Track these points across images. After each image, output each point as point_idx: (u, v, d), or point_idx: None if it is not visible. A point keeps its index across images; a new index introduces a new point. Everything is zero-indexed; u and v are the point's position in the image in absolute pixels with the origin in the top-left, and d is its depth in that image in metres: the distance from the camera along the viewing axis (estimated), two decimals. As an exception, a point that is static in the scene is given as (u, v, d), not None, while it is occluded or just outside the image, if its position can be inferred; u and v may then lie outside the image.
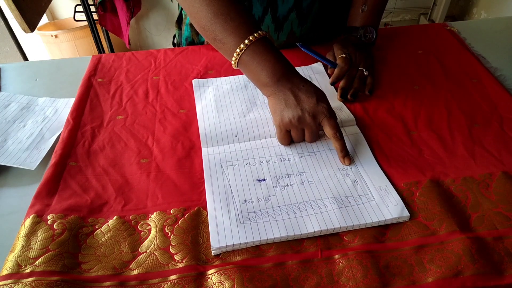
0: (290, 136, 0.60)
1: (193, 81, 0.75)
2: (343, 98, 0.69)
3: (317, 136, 0.60)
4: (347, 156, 0.57)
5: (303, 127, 0.58)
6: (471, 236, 0.47)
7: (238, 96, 0.70)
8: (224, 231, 0.48)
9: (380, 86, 0.73)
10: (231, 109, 0.68)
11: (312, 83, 0.60)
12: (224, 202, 0.52)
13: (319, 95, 0.58)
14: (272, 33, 0.80)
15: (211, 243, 0.47)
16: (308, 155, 0.59)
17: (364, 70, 0.72)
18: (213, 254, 0.47)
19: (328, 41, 0.86)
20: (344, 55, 0.72)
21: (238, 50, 0.58)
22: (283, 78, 0.58)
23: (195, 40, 0.89)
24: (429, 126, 0.63)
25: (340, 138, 0.57)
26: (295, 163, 0.58)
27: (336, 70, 0.72)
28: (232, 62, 0.60)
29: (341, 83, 0.71)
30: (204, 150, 0.60)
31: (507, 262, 0.44)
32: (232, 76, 0.76)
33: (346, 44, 0.74)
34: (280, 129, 0.59)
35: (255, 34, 0.58)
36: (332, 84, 0.72)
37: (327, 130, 0.57)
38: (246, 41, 0.57)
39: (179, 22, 0.92)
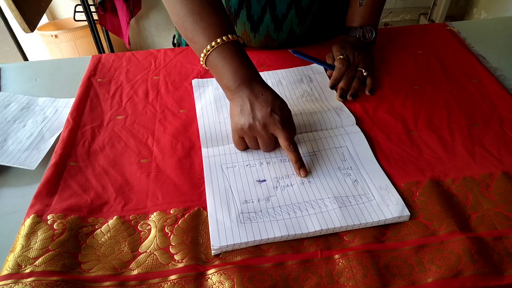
0: (244, 142, 0.59)
1: (192, 81, 0.75)
2: (343, 98, 0.69)
3: (271, 146, 0.58)
4: (303, 168, 0.55)
5: (255, 136, 0.57)
6: (471, 236, 0.47)
7: None
8: (224, 231, 0.48)
9: (380, 86, 0.73)
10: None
11: (274, 93, 0.58)
12: (225, 202, 0.52)
13: (276, 106, 0.56)
14: (272, 32, 0.80)
15: (212, 243, 0.47)
16: (308, 155, 0.59)
17: (363, 70, 0.72)
18: (213, 254, 0.47)
19: (328, 40, 0.86)
20: (341, 56, 0.72)
21: (205, 51, 0.59)
22: (244, 84, 0.58)
23: None
24: (429, 126, 0.63)
25: (293, 149, 0.55)
26: None
27: (334, 72, 0.72)
28: (201, 61, 0.61)
29: (341, 84, 0.71)
30: (204, 151, 0.60)
31: (507, 262, 0.44)
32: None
33: (344, 45, 0.74)
34: (233, 134, 0.59)
35: (224, 37, 0.58)
36: (331, 87, 0.72)
37: (280, 141, 0.56)
38: (213, 43, 0.58)
39: None
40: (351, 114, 0.65)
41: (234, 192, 0.54)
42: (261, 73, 0.76)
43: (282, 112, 0.56)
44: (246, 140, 0.58)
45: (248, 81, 0.58)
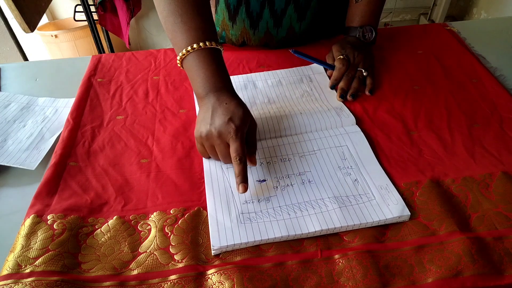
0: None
1: None
2: (343, 98, 0.69)
3: (227, 157, 0.55)
4: (243, 183, 0.52)
5: (212, 144, 0.55)
6: (471, 236, 0.47)
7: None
8: (224, 231, 0.48)
9: (380, 86, 0.73)
10: None
11: (240, 103, 0.57)
12: (225, 202, 0.52)
13: (236, 115, 0.54)
14: (272, 29, 0.80)
15: (212, 243, 0.47)
16: (308, 155, 0.59)
17: (363, 70, 0.72)
18: (213, 254, 0.47)
19: (329, 38, 0.86)
20: (341, 56, 0.72)
21: (180, 54, 0.59)
22: (212, 92, 0.57)
23: None
24: (429, 126, 0.63)
25: (239, 162, 0.52)
26: (295, 163, 0.58)
27: (334, 72, 0.72)
28: (177, 61, 0.61)
29: (341, 84, 0.71)
30: None
31: (507, 262, 0.44)
32: (232, 76, 0.75)
33: (344, 45, 0.74)
34: (196, 141, 0.58)
35: (201, 44, 0.58)
36: (331, 87, 0.72)
37: (230, 150, 0.53)
38: (189, 48, 0.58)
39: None
40: (351, 114, 0.65)
41: (234, 192, 0.54)
42: (261, 73, 0.76)
43: (242, 123, 0.54)
44: (206, 149, 0.57)
45: (217, 89, 0.58)
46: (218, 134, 0.54)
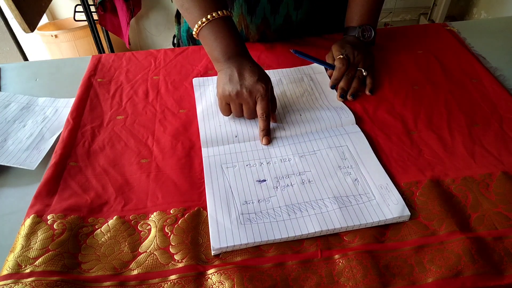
0: (230, 109, 0.63)
1: (193, 79, 0.75)
2: (343, 98, 0.69)
3: (254, 113, 0.62)
4: (267, 136, 0.60)
5: (241, 102, 0.61)
6: (471, 236, 0.47)
7: None
8: (224, 232, 0.48)
9: (380, 86, 0.73)
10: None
11: (260, 67, 0.63)
12: (225, 203, 0.52)
13: (262, 76, 0.61)
14: (269, 15, 0.80)
15: (212, 244, 0.47)
16: (308, 155, 0.59)
17: (363, 70, 0.72)
18: (213, 255, 0.47)
19: (326, 34, 0.85)
20: (341, 56, 0.72)
21: (199, 23, 0.63)
22: (233, 57, 0.63)
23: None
24: (429, 126, 0.63)
25: (265, 119, 0.60)
26: (295, 163, 0.58)
27: (334, 72, 0.72)
28: (193, 32, 0.65)
29: (341, 83, 0.71)
30: (204, 151, 0.60)
31: (507, 262, 0.44)
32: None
33: (344, 44, 0.74)
34: (221, 100, 0.63)
35: (219, 12, 0.62)
36: (332, 87, 0.72)
37: (258, 108, 0.60)
38: (209, 16, 0.62)
39: (178, 16, 0.93)
40: (351, 113, 0.65)
41: (234, 192, 0.54)
42: None
43: (267, 84, 0.61)
44: (232, 107, 0.62)
45: (238, 54, 0.63)
46: (249, 92, 0.60)
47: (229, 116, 0.65)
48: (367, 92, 0.70)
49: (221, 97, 0.62)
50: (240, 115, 0.63)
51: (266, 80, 0.61)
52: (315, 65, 0.78)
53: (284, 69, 0.77)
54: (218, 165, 0.58)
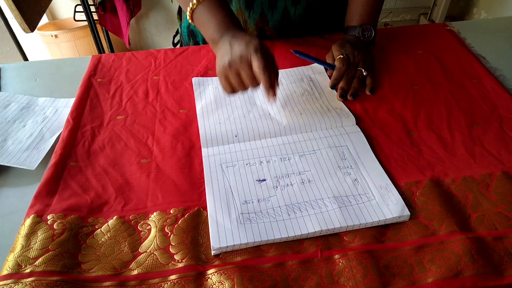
0: (231, 84, 0.60)
1: (193, 79, 0.75)
2: (343, 98, 0.69)
3: (252, 79, 0.57)
4: (272, 90, 0.56)
5: (237, 71, 0.58)
6: (471, 236, 0.47)
7: (238, 95, 0.70)
8: (224, 232, 0.48)
9: (380, 86, 0.72)
10: (231, 108, 0.68)
11: (253, 35, 0.61)
12: (225, 203, 0.52)
13: (252, 40, 0.58)
14: (266, 10, 0.80)
15: (212, 244, 0.47)
16: (308, 154, 0.59)
17: (363, 70, 0.72)
18: (213, 255, 0.47)
19: (326, 28, 0.85)
20: (341, 56, 0.71)
21: (191, 5, 0.63)
22: (227, 33, 0.61)
23: (195, 27, 0.89)
24: (429, 126, 0.63)
25: (264, 72, 0.55)
26: (295, 162, 0.58)
27: (334, 72, 0.72)
28: (187, 16, 0.65)
29: (341, 83, 0.71)
30: (204, 151, 0.60)
31: (507, 262, 0.44)
32: None
33: (343, 44, 0.74)
34: (220, 78, 0.61)
35: None
36: (332, 87, 0.72)
37: (253, 67, 0.56)
38: (195, 1, 0.63)
39: (180, 13, 0.94)
40: (351, 114, 0.65)
41: (234, 192, 0.54)
42: None
43: (257, 42, 0.57)
44: (231, 81, 0.59)
45: (231, 29, 0.62)
46: (240, 57, 0.57)
47: (234, 94, 0.62)
48: (367, 92, 0.70)
49: (219, 73, 0.60)
50: (241, 86, 0.59)
51: (258, 41, 0.58)
52: (315, 65, 0.78)
53: (283, 70, 0.77)
54: (218, 164, 0.58)
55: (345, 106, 0.68)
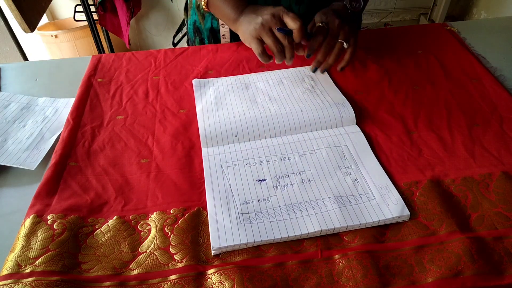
0: (267, 51, 0.64)
1: (193, 80, 0.75)
2: (314, 72, 0.69)
3: (286, 29, 0.62)
4: (302, 36, 0.62)
5: (269, 27, 0.62)
6: (471, 236, 0.47)
7: (238, 95, 0.70)
8: (224, 232, 0.48)
9: (380, 86, 0.72)
10: (231, 107, 0.67)
11: (268, 6, 0.65)
12: (225, 203, 0.52)
13: (276, 5, 0.64)
14: None
15: (212, 244, 0.47)
16: (308, 154, 0.59)
17: (344, 42, 0.67)
18: (213, 254, 0.47)
19: None
20: (320, 24, 0.67)
21: None
22: (246, 9, 0.66)
23: (201, 24, 0.89)
24: (429, 126, 0.63)
25: (297, 20, 0.61)
26: (295, 162, 0.58)
27: (310, 41, 0.67)
28: (202, 4, 0.70)
29: (317, 55, 0.68)
30: (204, 151, 0.60)
31: (507, 262, 0.44)
32: (233, 77, 0.76)
33: (327, 12, 0.69)
34: (251, 42, 0.64)
35: None
36: (307, 56, 0.67)
37: (289, 21, 0.61)
38: None
39: (186, 9, 0.94)
40: (352, 110, 0.65)
41: (234, 192, 0.54)
42: (262, 73, 0.76)
43: (283, 5, 0.63)
44: (265, 39, 0.63)
45: (250, 6, 0.67)
46: (272, 14, 0.62)
47: (269, 60, 0.65)
48: (338, 68, 0.68)
49: (250, 37, 0.64)
50: (276, 43, 0.62)
51: (275, 8, 0.63)
52: None
53: (284, 70, 0.77)
54: (218, 164, 0.58)
55: (347, 102, 0.67)
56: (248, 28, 0.64)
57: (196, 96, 0.71)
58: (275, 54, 0.63)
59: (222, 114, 0.66)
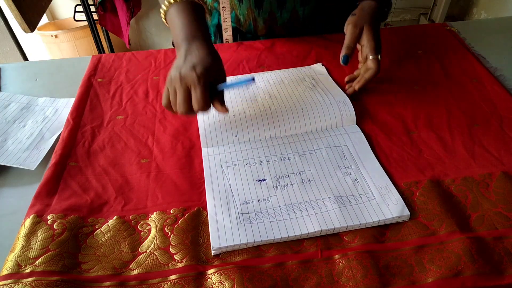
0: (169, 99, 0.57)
1: None
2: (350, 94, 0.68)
3: (185, 102, 0.54)
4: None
5: (175, 88, 0.55)
6: (471, 236, 0.47)
7: (238, 93, 0.70)
8: (224, 232, 0.48)
9: (380, 86, 0.72)
10: (231, 106, 0.67)
11: (210, 52, 0.57)
12: (225, 203, 0.52)
13: (202, 62, 0.54)
14: (275, 10, 0.80)
15: (212, 244, 0.47)
16: (308, 153, 0.59)
17: (371, 56, 0.65)
18: (213, 254, 0.47)
19: (333, 27, 0.84)
20: (376, 58, 0.65)
21: (164, 7, 0.64)
22: (186, 40, 0.59)
23: (208, 20, 0.89)
24: (429, 126, 0.63)
25: (200, 109, 0.53)
26: (295, 162, 0.58)
27: (369, 73, 0.65)
28: (162, 15, 0.66)
29: (354, 83, 0.68)
30: (204, 151, 0.60)
31: (507, 262, 0.44)
32: (233, 76, 0.76)
33: (359, 23, 0.66)
34: (164, 91, 0.57)
35: None
36: (345, 61, 0.66)
37: (192, 99, 0.53)
38: (172, 0, 0.63)
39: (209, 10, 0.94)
40: (352, 109, 0.64)
41: (234, 192, 0.54)
42: (262, 73, 0.76)
43: (205, 71, 0.53)
44: (170, 95, 0.56)
45: (192, 37, 0.59)
46: (181, 78, 0.54)
47: (169, 109, 0.58)
48: (356, 88, 0.67)
49: (166, 82, 0.57)
50: (174, 101, 0.55)
51: (205, 68, 0.54)
52: (316, 66, 0.78)
53: (285, 70, 0.77)
54: (218, 164, 0.58)
55: (348, 100, 0.66)
56: (170, 71, 0.56)
57: None
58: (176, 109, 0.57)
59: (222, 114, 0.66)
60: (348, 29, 0.67)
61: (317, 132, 0.63)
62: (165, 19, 0.65)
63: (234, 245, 0.47)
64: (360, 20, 0.66)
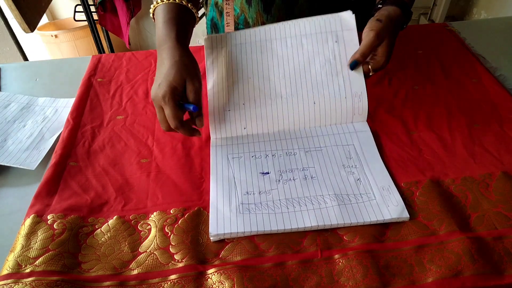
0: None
1: (205, 39, 0.64)
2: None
3: (164, 122, 0.54)
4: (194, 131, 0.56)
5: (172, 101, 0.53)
6: (471, 236, 0.47)
7: (251, 61, 0.64)
8: (223, 220, 0.49)
9: (380, 86, 0.72)
10: (242, 84, 0.63)
11: (179, 59, 0.55)
12: (227, 192, 0.53)
13: (166, 78, 0.53)
14: (284, 16, 0.79)
15: (210, 230, 0.48)
16: (314, 150, 0.59)
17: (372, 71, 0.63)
18: (212, 241, 0.48)
19: None
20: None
21: (152, 6, 0.63)
22: (159, 45, 0.59)
23: (218, 21, 0.90)
24: (429, 126, 0.63)
25: (177, 129, 0.54)
26: (300, 157, 0.58)
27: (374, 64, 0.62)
28: (151, 12, 0.64)
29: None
30: (212, 140, 0.61)
31: (507, 262, 0.44)
32: (248, 30, 0.67)
33: (382, 32, 0.62)
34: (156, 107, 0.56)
35: None
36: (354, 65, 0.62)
37: (167, 117, 0.53)
38: (159, 0, 0.62)
39: (206, 3, 0.94)
40: (366, 107, 0.62)
41: (237, 182, 0.54)
42: (280, 26, 0.66)
43: (169, 88, 0.52)
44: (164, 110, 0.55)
45: (163, 41, 0.58)
46: (154, 99, 0.54)
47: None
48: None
49: (155, 98, 0.56)
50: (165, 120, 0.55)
51: (169, 84, 0.52)
52: (344, 17, 0.65)
53: (306, 21, 0.65)
54: (224, 155, 0.59)
55: (365, 93, 0.62)
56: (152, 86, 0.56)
57: (208, 64, 0.64)
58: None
59: (233, 98, 0.62)
60: (369, 35, 0.61)
61: (325, 128, 0.62)
62: (153, 16, 0.65)
63: (231, 233, 0.48)
64: (384, 31, 0.62)
